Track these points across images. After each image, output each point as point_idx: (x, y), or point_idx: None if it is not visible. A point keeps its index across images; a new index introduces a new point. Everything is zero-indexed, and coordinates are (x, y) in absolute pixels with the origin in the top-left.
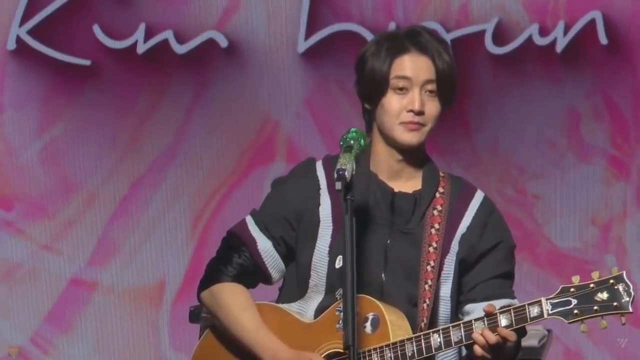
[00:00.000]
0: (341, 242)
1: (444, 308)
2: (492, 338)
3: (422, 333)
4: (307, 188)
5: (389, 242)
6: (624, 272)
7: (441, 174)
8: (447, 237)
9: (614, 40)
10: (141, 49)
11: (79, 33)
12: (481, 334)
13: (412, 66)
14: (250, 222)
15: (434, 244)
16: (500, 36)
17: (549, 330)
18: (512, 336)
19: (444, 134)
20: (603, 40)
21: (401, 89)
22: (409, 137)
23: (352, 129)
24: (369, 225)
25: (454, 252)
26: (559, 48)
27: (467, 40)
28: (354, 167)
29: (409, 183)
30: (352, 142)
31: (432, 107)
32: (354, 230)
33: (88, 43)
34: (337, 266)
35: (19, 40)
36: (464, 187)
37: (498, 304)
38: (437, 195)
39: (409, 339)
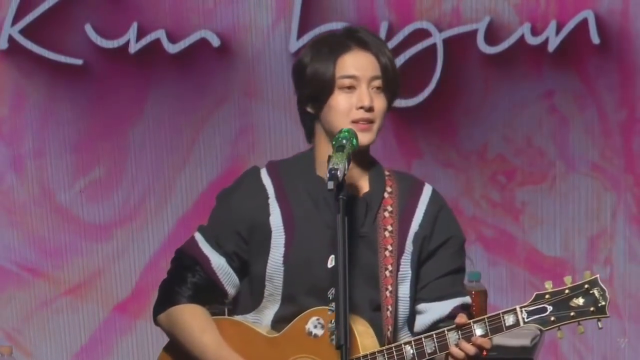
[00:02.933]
0: (299, 247)
1: (403, 308)
2: (471, 349)
3: (393, 345)
4: (255, 199)
5: None
6: (598, 276)
7: (386, 172)
8: (401, 238)
9: (606, 39)
10: (133, 48)
11: (71, 32)
12: (459, 347)
13: (357, 64)
14: (200, 239)
15: (390, 247)
16: (492, 35)
17: (541, 330)
18: (488, 344)
19: (432, 137)
20: (595, 39)
21: (349, 87)
22: (360, 137)
23: (344, 129)
24: (322, 232)
25: (409, 252)
26: (551, 47)
27: (459, 40)
28: (346, 167)
29: (357, 185)
30: (344, 141)
31: (380, 103)
32: (346, 231)
33: (80, 42)
34: (329, 266)
35: (11, 39)
36: (412, 183)
37: (451, 303)
38: (386, 195)
39: (380, 352)
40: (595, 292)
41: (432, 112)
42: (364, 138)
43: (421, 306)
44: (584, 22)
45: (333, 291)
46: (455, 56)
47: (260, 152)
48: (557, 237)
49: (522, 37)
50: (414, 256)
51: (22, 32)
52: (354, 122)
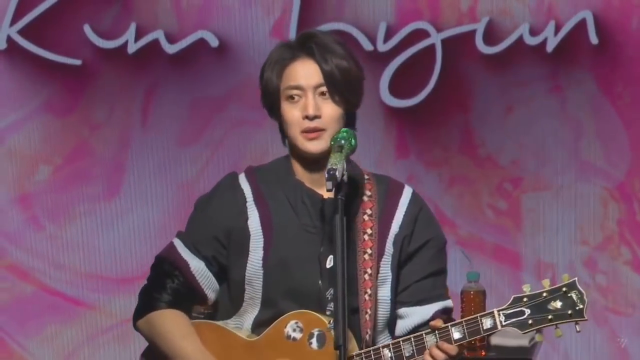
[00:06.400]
0: (277, 250)
1: (383, 310)
2: (440, 355)
3: (371, 348)
4: (233, 203)
5: (322, 249)
6: (576, 279)
7: (366, 176)
8: (381, 240)
9: (604, 40)
10: (132, 48)
11: (70, 33)
12: (430, 353)
13: (301, 73)
14: (179, 245)
15: (369, 250)
16: (490, 36)
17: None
18: (452, 350)
19: (430, 137)
20: (594, 40)
21: (293, 97)
22: (310, 146)
23: (343, 129)
24: (300, 235)
25: (389, 254)
26: (550, 48)
27: (457, 40)
28: (345, 167)
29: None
30: (342, 141)
31: (328, 110)
32: (345, 231)
33: (79, 43)
34: (327, 266)
35: (9, 40)
36: (391, 186)
37: (432, 307)
38: (365, 199)
39: (359, 355)
40: (574, 295)
41: (430, 113)
42: (314, 147)
43: (402, 310)
44: (583, 22)
45: (332, 291)
46: (454, 56)
47: (259, 152)
48: (559, 245)
49: (520, 38)
50: (394, 258)
51: (21, 32)
52: (303, 132)
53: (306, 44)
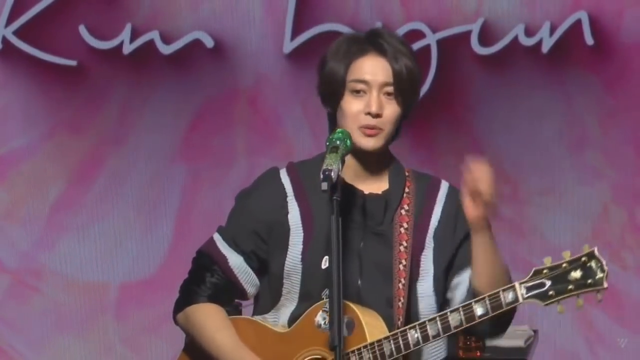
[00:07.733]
0: (316, 245)
1: (426, 305)
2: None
3: (398, 330)
4: (273, 198)
5: (362, 245)
6: (596, 249)
7: (406, 173)
8: (420, 235)
9: (600, 41)
10: (127, 49)
11: (65, 33)
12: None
13: (370, 69)
14: (218, 239)
15: (404, 243)
16: (486, 36)
17: (535, 331)
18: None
19: (425, 138)
20: (589, 40)
21: (359, 91)
22: (365, 142)
23: (338, 130)
24: (341, 230)
25: (429, 248)
26: (545, 49)
27: (453, 41)
28: (340, 168)
29: (376, 184)
30: (338, 142)
31: (390, 110)
32: (340, 231)
33: (74, 43)
34: (323, 267)
35: (4, 40)
36: (429, 183)
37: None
38: (404, 195)
39: (386, 338)
40: (593, 264)
41: (425, 114)
42: (368, 143)
43: (454, 281)
44: (578, 23)
45: (327, 292)
46: (449, 57)
47: (254, 153)
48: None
49: (516, 38)
50: (435, 251)
51: (16, 33)
52: (361, 127)
53: (376, 41)
